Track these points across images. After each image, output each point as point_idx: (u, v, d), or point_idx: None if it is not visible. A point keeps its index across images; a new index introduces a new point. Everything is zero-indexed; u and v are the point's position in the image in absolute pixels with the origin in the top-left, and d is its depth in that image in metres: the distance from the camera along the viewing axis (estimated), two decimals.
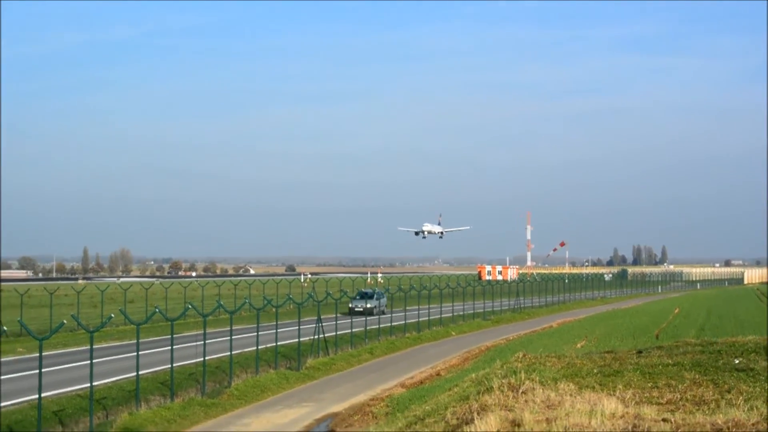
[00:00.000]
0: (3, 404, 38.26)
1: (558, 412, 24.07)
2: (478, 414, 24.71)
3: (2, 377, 46.48)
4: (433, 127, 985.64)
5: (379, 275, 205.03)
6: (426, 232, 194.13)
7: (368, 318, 73.30)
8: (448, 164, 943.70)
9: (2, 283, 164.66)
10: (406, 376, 53.08)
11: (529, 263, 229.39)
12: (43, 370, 33.31)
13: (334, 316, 65.68)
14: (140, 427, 36.23)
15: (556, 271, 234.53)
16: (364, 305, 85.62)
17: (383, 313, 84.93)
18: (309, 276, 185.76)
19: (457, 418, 25.83)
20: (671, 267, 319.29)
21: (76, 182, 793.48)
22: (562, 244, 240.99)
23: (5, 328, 41.57)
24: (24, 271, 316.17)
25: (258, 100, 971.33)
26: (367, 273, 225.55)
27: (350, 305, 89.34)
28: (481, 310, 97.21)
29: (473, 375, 38.54)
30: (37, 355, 34.12)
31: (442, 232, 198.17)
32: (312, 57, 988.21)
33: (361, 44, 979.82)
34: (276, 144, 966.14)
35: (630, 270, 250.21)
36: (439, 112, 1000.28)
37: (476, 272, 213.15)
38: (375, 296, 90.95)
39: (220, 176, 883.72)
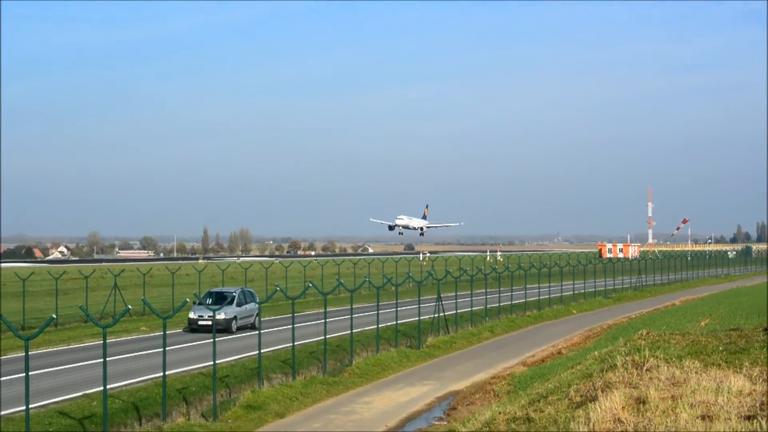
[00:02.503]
0: (129, 381, 38.89)
1: (683, 390, 23.72)
2: (602, 391, 24.43)
3: (125, 355, 47.25)
4: (553, 102, 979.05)
5: (498, 253, 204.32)
6: (401, 227, 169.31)
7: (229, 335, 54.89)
8: (569, 140, 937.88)
9: (123, 263, 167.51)
10: (527, 355, 52.80)
11: (650, 240, 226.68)
12: (167, 348, 33.72)
13: (454, 294, 65.38)
14: (263, 404, 36.50)
15: (678, 249, 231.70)
16: (213, 315, 47.31)
17: (254, 327, 57.76)
18: (428, 254, 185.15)
19: (581, 396, 25.58)
20: None
21: (197, 163, 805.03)
22: (685, 222, 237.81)
23: (130, 306, 42.21)
24: (146, 252, 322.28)
25: (370, 81, 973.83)
26: (486, 251, 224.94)
27: (191, 315, 58.31)
28: (602, 288, 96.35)
29: (596, 353, 38.16)
30: (161, 333, 34.60)
31: (422, 228, 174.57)
32: (429, 37, 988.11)
33: (482, 23, 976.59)
34: (397, 123, 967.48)
35: (754, 247, 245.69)
36: (559, 87, 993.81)
37: (597, 250, 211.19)
38: (235, 301, 58.91)
39: (336, 155, 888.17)
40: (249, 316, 59.24)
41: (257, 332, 45.34)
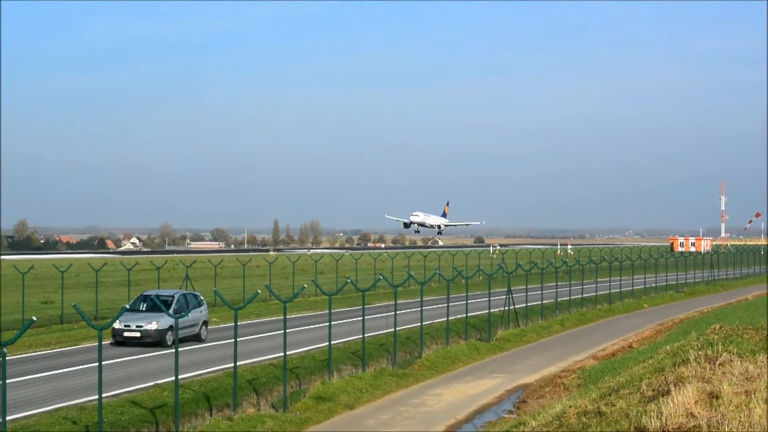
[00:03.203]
0: (200, 372, 39.24)
1: (757, 385, 23.47)
2: (674, 385, 24.22)
3: (196, 345, 47.54)
4: (617, 97, 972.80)
5: (569, 247, 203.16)
6: (417, 225, 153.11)
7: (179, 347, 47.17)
8: (641, 133, 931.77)
9: (194, 255, 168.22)
10: (598, 348, 52.50)
11: (723, 234, 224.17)
12: (237, 339, 33.90)
13: (525, 287, 65.07)
14: (333, 395, 36.57)
15: (751, 243, 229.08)
16: (143, 326, 46.67)
17: (200, 338, 49.59)
18: (498, 247, 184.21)
19: (653, 390, 25.37)
20: None
21: (269, 156, 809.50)
22: (758, 215, 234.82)
23: (202, 298, 42.47)
24: (217, 243, 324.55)
25: (435, 72, 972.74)
26: (556, 244, 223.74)
27: (116, 325, 45.91)
28: (674, 282, 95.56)
29: (668, 347, 37.89)
30: (232, 324, 34.78)
31: (440, 226, 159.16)
32: (486, 31, 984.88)
33: (541, 16, 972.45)
34: (457, 116, 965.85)
35: None
36: (623, 82, 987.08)
37: (668, 243, 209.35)
38: (172, 307, 47.38)
39: (404, 148, 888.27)
40: (192, 326, 48.98)
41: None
